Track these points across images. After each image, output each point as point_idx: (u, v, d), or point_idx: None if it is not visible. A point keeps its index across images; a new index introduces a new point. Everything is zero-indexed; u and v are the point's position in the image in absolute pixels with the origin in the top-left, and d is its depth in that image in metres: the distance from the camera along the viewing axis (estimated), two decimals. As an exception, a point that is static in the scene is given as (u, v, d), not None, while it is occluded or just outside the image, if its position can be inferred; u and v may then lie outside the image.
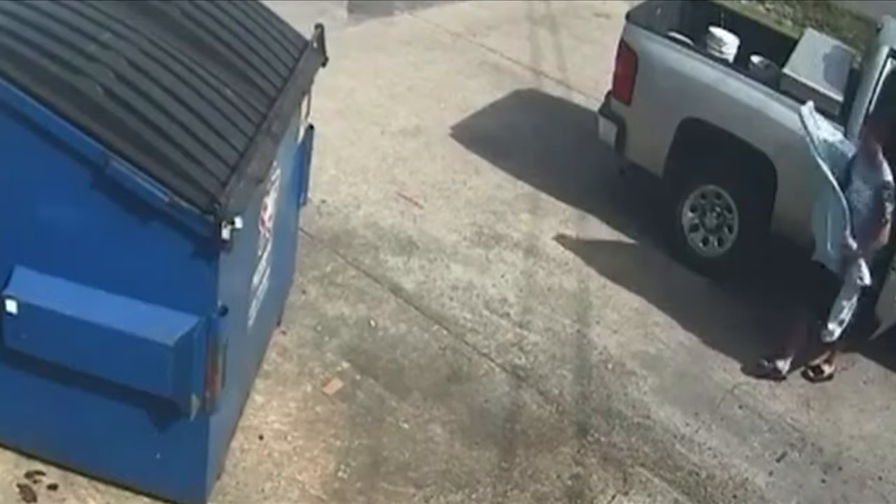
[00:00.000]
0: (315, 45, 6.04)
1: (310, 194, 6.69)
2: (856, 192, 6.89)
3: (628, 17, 8.41)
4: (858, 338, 7.41)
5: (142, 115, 4.75)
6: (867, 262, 6.89)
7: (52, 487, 5.38)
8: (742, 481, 6.48)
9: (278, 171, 5.55)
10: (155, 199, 4.60)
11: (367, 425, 6.22)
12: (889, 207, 6.82)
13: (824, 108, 7.50)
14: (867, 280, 6.90)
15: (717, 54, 8.30)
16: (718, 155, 7.99)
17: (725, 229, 8.05)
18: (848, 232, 6.84)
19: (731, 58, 8.41)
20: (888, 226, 6.88)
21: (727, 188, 7.97)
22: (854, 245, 6.84)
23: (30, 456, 5.43)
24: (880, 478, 6.73)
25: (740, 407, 7.03)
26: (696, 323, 7.62)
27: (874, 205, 6.84)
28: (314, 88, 6.02)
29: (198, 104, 5.01)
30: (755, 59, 8.40)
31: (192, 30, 5.46)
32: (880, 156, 6.84)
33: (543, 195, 8.69)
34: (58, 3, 5.07)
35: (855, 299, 7.02)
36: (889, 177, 6.83)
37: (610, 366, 7.11)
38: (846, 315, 7.06)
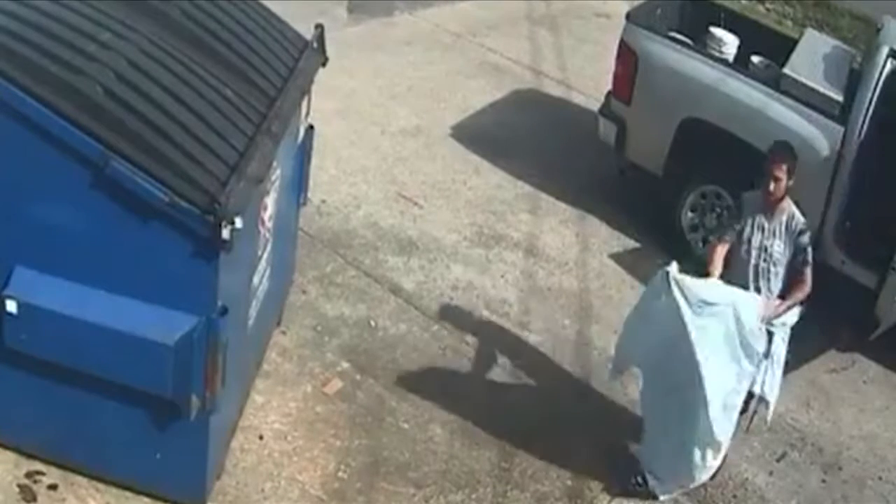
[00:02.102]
0: (315, 45, 6.04)
1: (310, 194, 6.69)
2: (759, 248, 6.04)
3: (628, 17, 8.41)
4: (858, 338, 7.41)
5: (142, 115, 4.75)
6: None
7: (52, 487, 5.38)
8: (742, 481, 6.48)
9: (278, 171, 5.55)
10: (155, 199, 4.60)
11: (367, 425, 6.22)
12: (810, 252, 6.04)
13: (824, 108, 7.52)
14: (794, 317, 6.13)
15: (717, 54, 8.29)
16: (718, 155, 7.99)
17: (725, 229, 8.05)
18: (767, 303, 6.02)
19: (731, 58, 8.41)
20: (810, 271, 6.07)
21: (727, 188, 7.97)
22: (778, 304, 6.03)
23: (30, 456, 5.43)
24: (880, 478, 6.73)
25: (740, 407, 7.02)
26: (696, 323, 7.62)
27: (792, 252, 6.05)
28: (314, 88, 6.02)
29: (198, 104, 5.01)
30: (755, 59, 8.39)
31: (192, 30, 5.46)
32: (787, 198, 6.04)
33: (543, 195, 8.69)
34: (58, 3, 5.07)
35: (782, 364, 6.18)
36: (802, 217, 6.05)
37: (610, 366, 7.09)
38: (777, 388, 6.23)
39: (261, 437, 5.97)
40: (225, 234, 4.58)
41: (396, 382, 6.58)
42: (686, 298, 5.71)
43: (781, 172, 5.89)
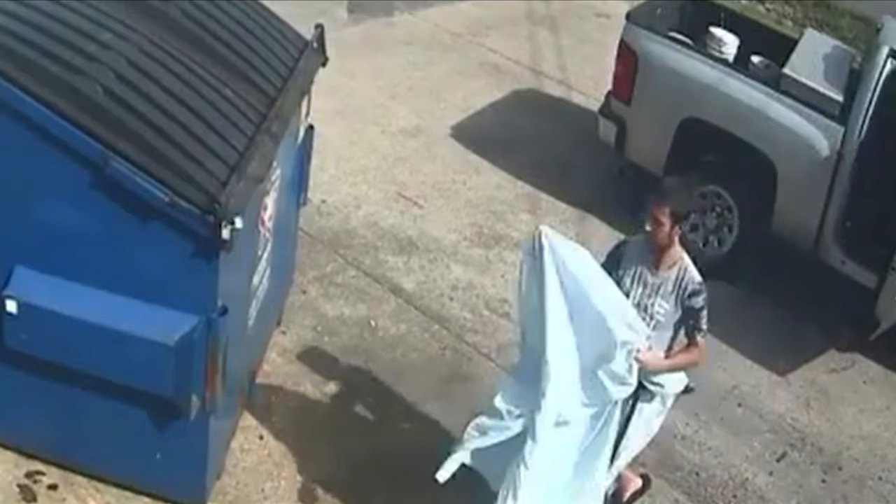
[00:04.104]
0: (315, 45, 6.03)
1: (310, 194, 6.69)
2: (639, 306, 5.10)
3: (628, 17, 8.42)
4: (858, 338, 7.41)
5: (142, 115, 4.75)
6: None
7: (52, 487, 5.38)
8: (742, 481, 6.47)
9: (278, 171, 5.55)
10: (155, 199, 4.60)
11: (367, 425, 6.22)
12: (704, 317, 5.06)
13: (824, 108, 7.52)
14: (683, 384, 5.32)
15: (717, 54, 8.29)
16: (718, 155, 7.99)
17: (725, 229, 8.05)
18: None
19: (731, 58, 8.40)
20: (704, 340, 5.13)
21: (727, 188, 7.97)
22: (662, 359, 5.13)
23: (30, 456, 5.43)
24: (880, 478, 6.73)
25: (740, 406, 7.03)
26: (696, 323, 7.61)
27: (681, 316, 5.12)
28: (314, 88, 6.01)
29: (198, 104, 5.01)
30: (755, 59, 8.39)
31: (192, 30, 5.46)
32: (677, 247, 5.11)
33: (543, 195, 8.68)
34: (58, 3, 5.07)
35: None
36: (697, 275, 5.06)
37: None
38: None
39: (261, 437, 5.97)
40: (225, 234, 4.58)
41: (396, 382, 6.58)
42: (555, 263, 4.84)
43: (662, 216, 4.94)
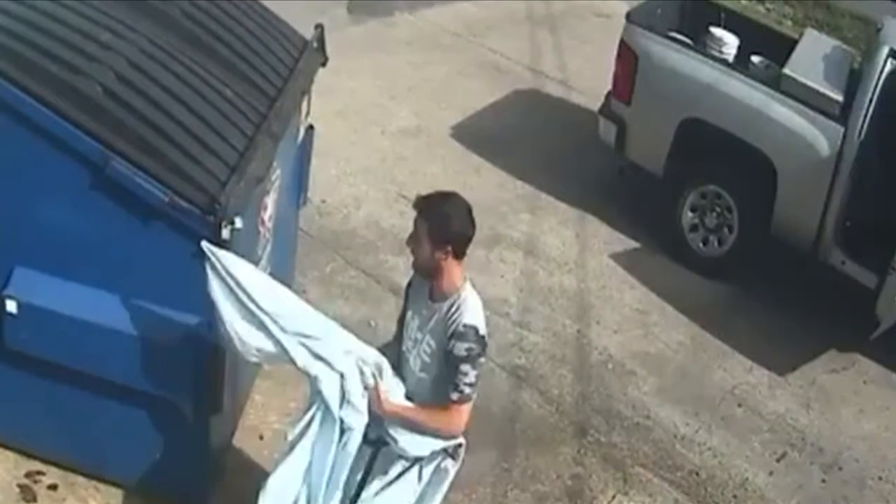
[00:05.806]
0: (315, 45, 6.04)
1: (310, 194, 6.68)
2: (413, 340, 4.35)
3: (628, 17, 8.42)
4: (858, 338, 7.41)
5: (142, 115, 4.75)
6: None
7: (52, 487, 5.37)
8: (742, 481, 6.48)
9: (278, 171, 5.55)
10: (155, 199, 4.60)
11: (367, 425, 6.21)
12: (466, 373, 4.09)
13: (824, 108, 7.52)
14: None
15: (717, 54, 8.29)
16: (718, 155, 7.99)
17: (725, 229, 8.05)
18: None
19: (731, 58, 8.41)
20: (469, 405, 4.20)
21: (727, 188, 7.97)
22: (397, 405, 4.31)
23: (30, 456, 5.43)
24: (880, 478, 6.73)
25: (740, 406, 7.03)
26: (696, 323, 7.62)
27: (442, 361, 4.20)
28: (314, 88, 6.01)
29: (198, 104, 5.01)
30: (755, 59, 8.40)
31: (192, 30, 5.46)
32: (456, 278, 4.30)
33: (543, 195, 8.68)
34: (58, 3, 5.07)
35: None
36: (472, 318, 4.14)
37: (610, 366, 7.10)
38: None
39: (261, 438, 5.96)
40: (225, 234, 4.58)
41: (396, 382, 6.57)
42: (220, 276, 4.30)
43: (422, 233, 4.21)
